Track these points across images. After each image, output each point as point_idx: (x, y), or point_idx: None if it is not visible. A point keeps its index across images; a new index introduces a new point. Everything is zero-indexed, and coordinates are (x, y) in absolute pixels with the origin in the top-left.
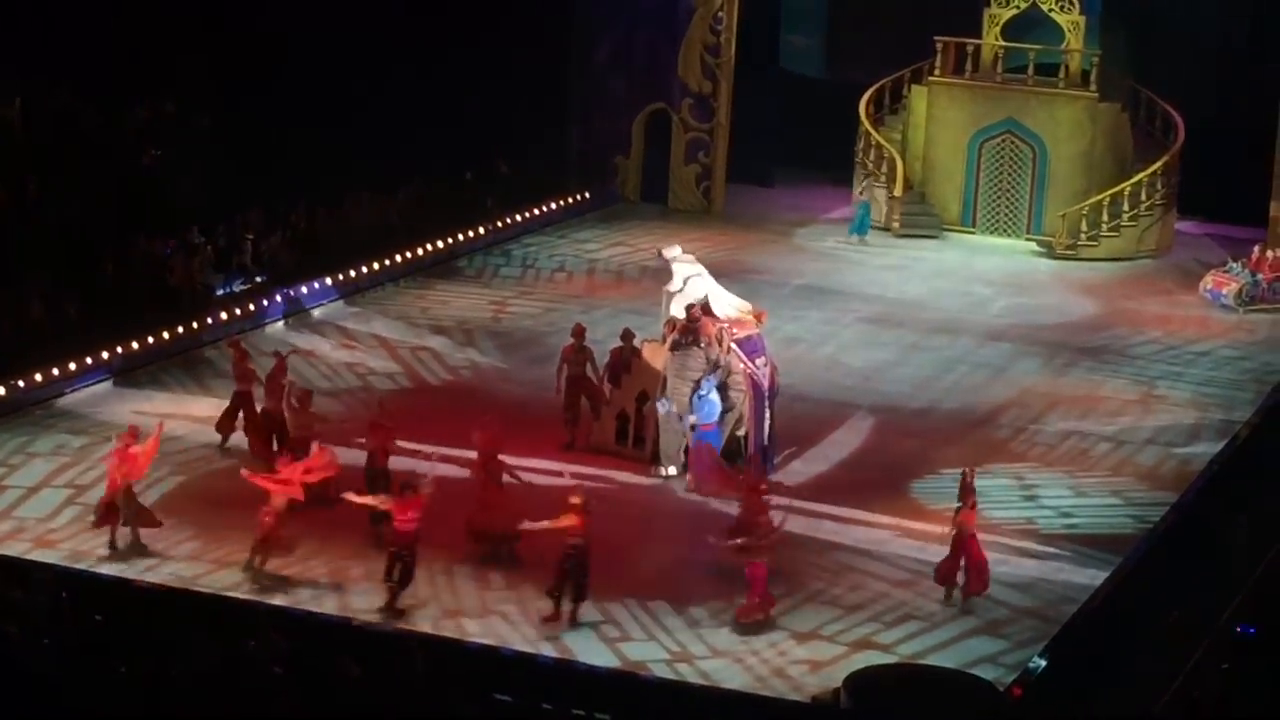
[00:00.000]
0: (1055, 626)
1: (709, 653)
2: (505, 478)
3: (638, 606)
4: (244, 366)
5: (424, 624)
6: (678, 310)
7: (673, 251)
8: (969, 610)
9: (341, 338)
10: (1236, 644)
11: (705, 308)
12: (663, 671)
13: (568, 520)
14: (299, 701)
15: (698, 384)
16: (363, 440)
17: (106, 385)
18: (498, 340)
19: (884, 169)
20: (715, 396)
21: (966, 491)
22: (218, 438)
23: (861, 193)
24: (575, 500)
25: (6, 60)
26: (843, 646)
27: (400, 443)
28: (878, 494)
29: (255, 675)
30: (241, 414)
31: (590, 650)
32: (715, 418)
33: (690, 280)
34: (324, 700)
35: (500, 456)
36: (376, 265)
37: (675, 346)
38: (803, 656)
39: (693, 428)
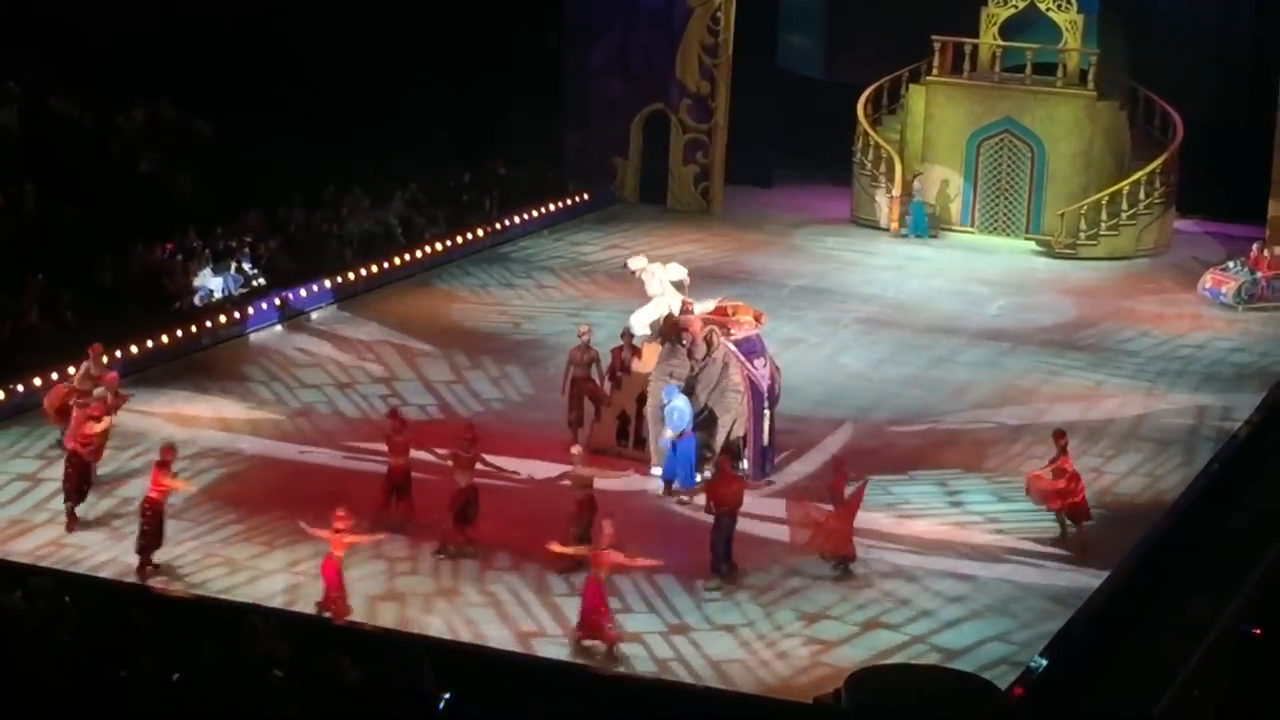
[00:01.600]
0: (1063, 608)
1: (708, 626)
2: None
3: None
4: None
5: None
6: (639, 322)
7: (639, 262)
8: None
9: (341, 343)
10: (1239, 643)
11: (714, 309)
12: (659, 644)
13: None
14: (299, 705)
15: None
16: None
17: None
18: (497, 342)
19: (881, 169)
20: (682, 402)
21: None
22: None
23: (916, 193)
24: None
25: (4, 64)
26: (852, 626)
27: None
28: (876, 493)
29: (255, 679)
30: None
31: None
32: (687, 423)
33: (659, 294)
34: (323, 703)
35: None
36: (375, 268)
37: (662, 345)
38: (810, 635)
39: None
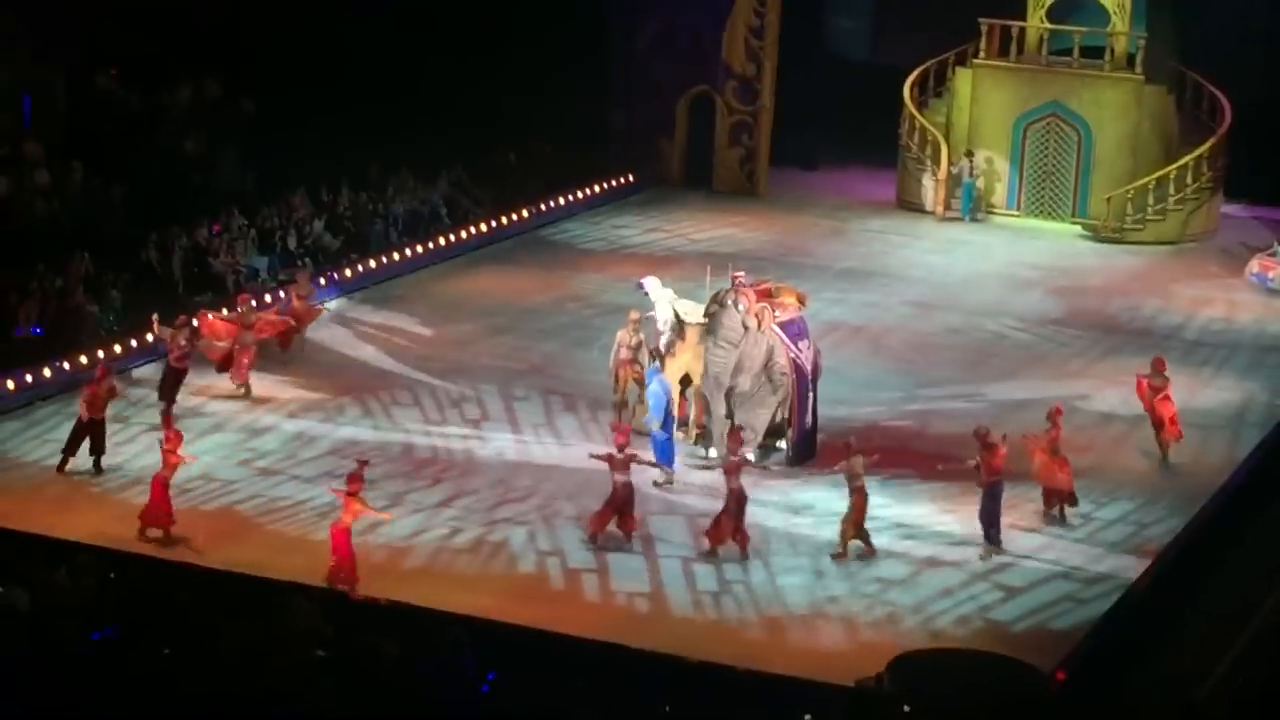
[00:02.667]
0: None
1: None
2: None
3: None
4: None
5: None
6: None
7: (651, 284)
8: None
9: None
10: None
11: (760, 290)
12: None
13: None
14: (340, 683)
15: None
16: None
17: (150, 368)
18: (545, 323)
19: (928, 152)
20: (658, 387)
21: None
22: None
23: (973, 172)
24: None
25: (50, 43)
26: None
27: None
28: (922, 474)
29: (297, 657)
30: None
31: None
32: (662, 411)
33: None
34: (365, 682)
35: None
36: (420, 249)
37: (709, 312)
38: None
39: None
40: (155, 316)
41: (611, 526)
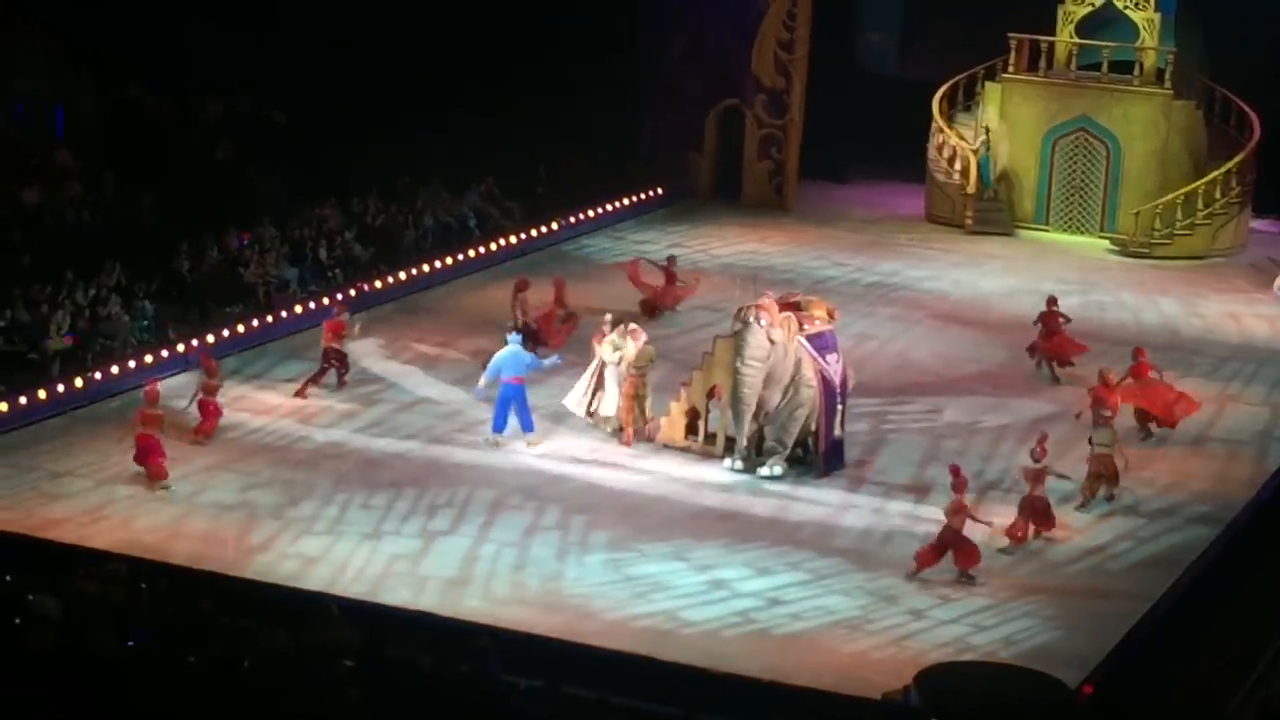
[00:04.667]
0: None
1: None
2: None
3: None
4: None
5: None
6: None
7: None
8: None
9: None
10: None
11: (785, 302)
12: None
13: None
14: (368, 693)
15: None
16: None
17: (183, 377)
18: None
19: (957, 166)
20: (509, 351)
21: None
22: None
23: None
24: None
25: (83, 55)
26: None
27: None
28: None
29: (326, 668)
30: None
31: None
32: (496, 374)
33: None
34: (395, 691)
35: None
36: (450, 260)
37: (734, 330)
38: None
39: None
40: None
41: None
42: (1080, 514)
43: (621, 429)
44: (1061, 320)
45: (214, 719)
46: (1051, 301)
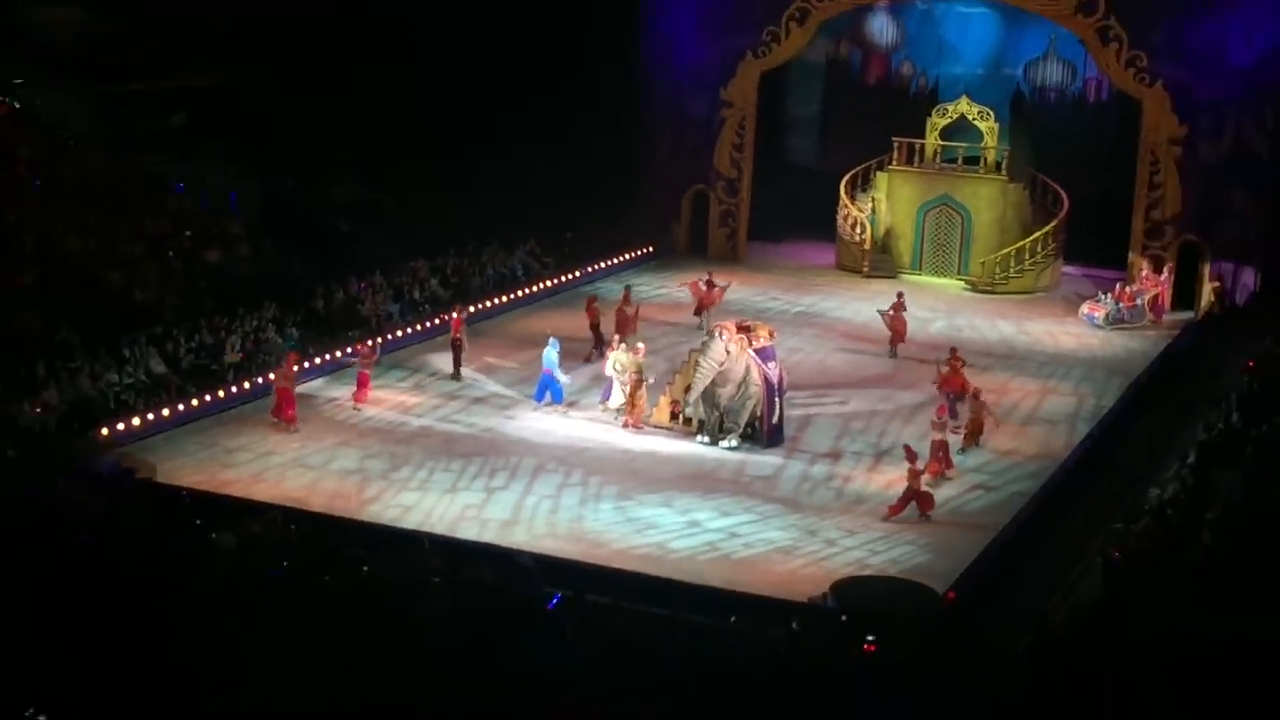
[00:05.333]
0: (984, 535)
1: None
2: None
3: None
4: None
5: None
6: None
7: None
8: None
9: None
10: (1106, 563)
11: (740, 325)
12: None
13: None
14: (452, 600)
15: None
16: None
17: (320, 381)
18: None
19: (857, 230)
20: (550, 349)
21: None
22: (392, 415)
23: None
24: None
25: (249, 156)
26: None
27: None
28: (862, 454)
29: (421, 583)
30: None
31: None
32: (548, 364)
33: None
34: (469, 600)
35: None
36: (504, 298)
37: (704, 342)
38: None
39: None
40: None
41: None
42: (960, 456)
43: (624, 415)
44: (899, 310)
45: (343, 620)
46: (900, 295)
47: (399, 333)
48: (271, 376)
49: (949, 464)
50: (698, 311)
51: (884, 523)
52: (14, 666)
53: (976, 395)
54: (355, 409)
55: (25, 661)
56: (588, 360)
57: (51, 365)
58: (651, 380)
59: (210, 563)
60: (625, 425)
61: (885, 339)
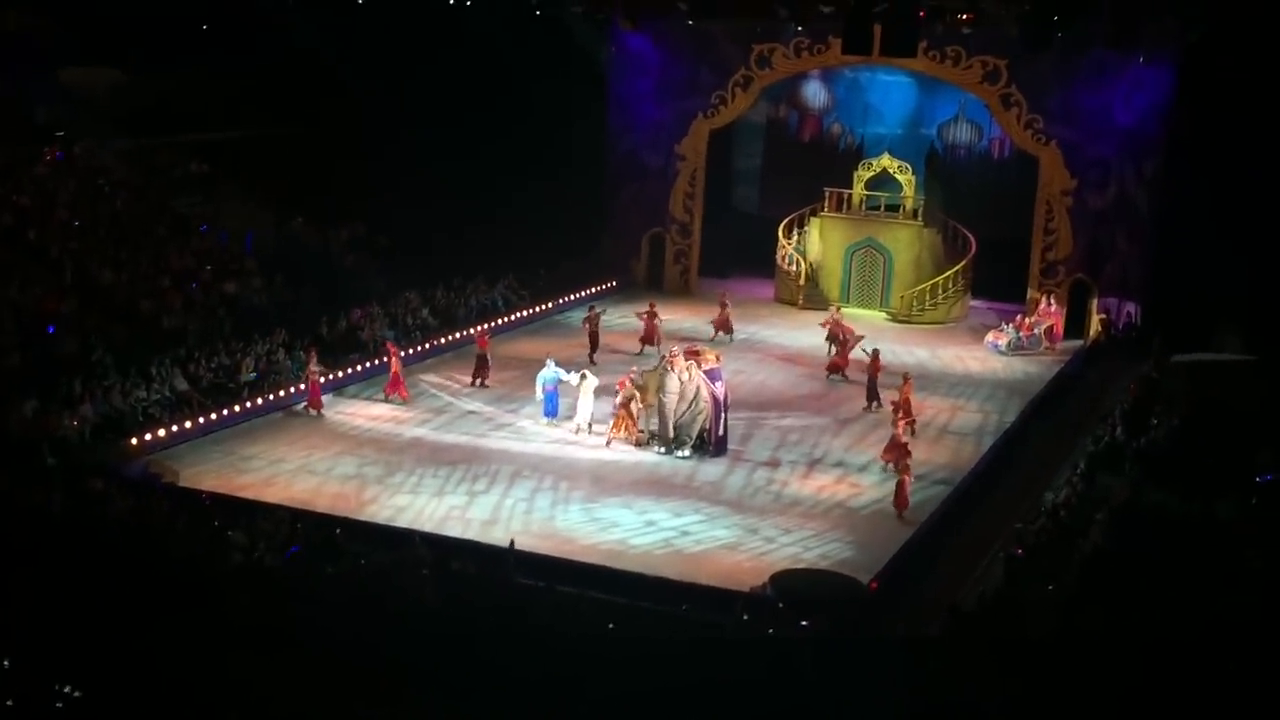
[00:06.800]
0: (905, 531)
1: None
2: None
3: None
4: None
5: None
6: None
7: (558, 371)
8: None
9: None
10: (1008, 559)
11: (689, 351)
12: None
13: None
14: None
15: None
16: None
17: (329, 396)
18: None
19: (794, 268)
20: (549, 372)
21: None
22: (388, 427)
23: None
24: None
25: (265, 199)
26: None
27: None
28: (797, 463)
29: (412, 574)
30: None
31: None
32: (547, 384)
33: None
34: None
35: None
36: (486, 325)
37: (658, 365)
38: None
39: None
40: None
41: None
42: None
43: (587, 429)
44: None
45: (343, 606)
46: (837, 310)
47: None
48: (388, 359)
49: (907, 454)
50: (644, 340)
51: (900, 520)
52: (51, 646)
53: (896, 412)
54: (393, 400)
55: (62, 641)
56: (592, 364)
57: (88, 383)
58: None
59: (224, 556)
60: (609, 443)
61: (819, 363)
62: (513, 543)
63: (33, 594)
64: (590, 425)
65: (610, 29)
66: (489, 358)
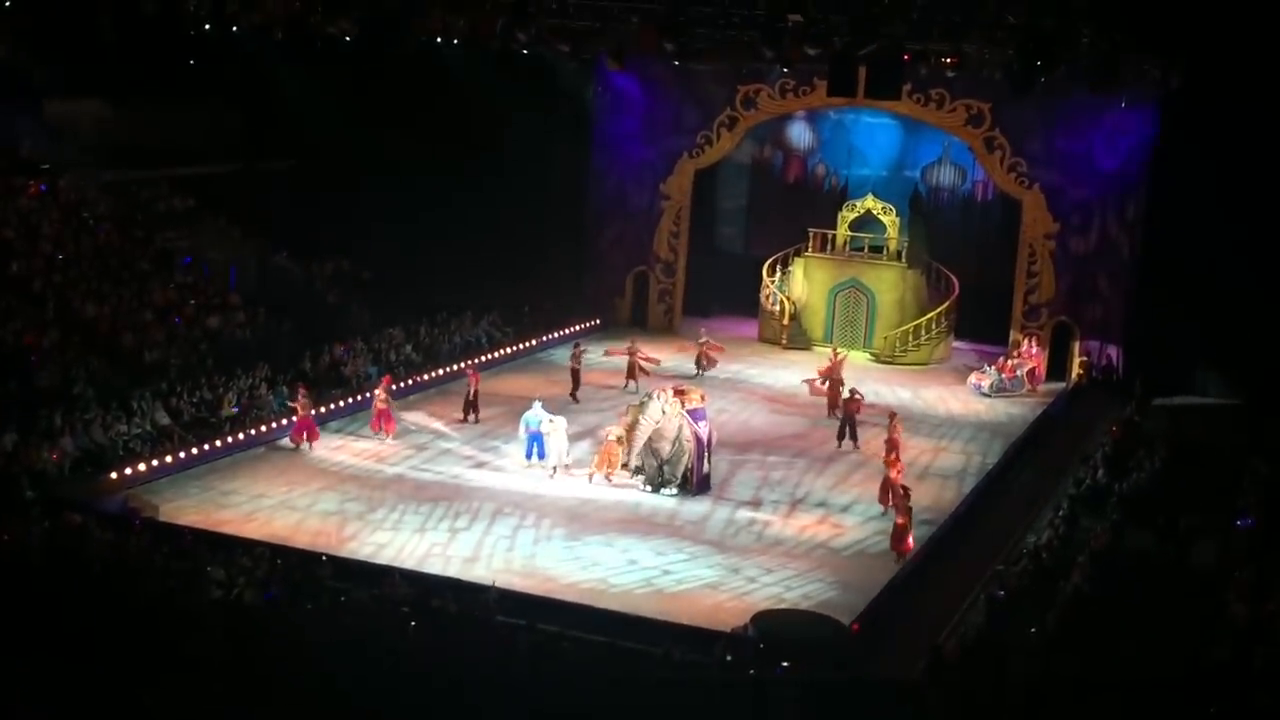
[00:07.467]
0: (885, 574)
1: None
2: None
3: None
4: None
5: None
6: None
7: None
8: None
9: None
10: (990, 601)
11: (676, 390)
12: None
13: None
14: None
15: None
16: None
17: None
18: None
19: (777, 307)
20: (531, 415)
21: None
22: (369, 464)
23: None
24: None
25: (248, 233)
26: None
27: None
28: (780, 502)
29: (392, 611)
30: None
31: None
32: (530, 427)
33: (554, 421)
34: (435, 625)
35: None
36: (470, 362)
37: (642, 402)
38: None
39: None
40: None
41: None
42: (855, 509)
43: (564, 469)
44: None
45: (322, 643)
46: (835, 352)
47: (378, 391)
48: (374, 394)
49: (905, 495)
50: (628, 376)
51: (896, 562)
52: (29, 678)
53: (888, 454)
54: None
55: (39, 674)
56: (574, 401)
57: (68, 416)
58: (608, 433)
59: (202, 591)
60: (591, 478)
61: (801, 403)
62: (494, 583)
63: (8, 628)
64: (567, 465)
65: (596, 69)
66: (478, 394)
